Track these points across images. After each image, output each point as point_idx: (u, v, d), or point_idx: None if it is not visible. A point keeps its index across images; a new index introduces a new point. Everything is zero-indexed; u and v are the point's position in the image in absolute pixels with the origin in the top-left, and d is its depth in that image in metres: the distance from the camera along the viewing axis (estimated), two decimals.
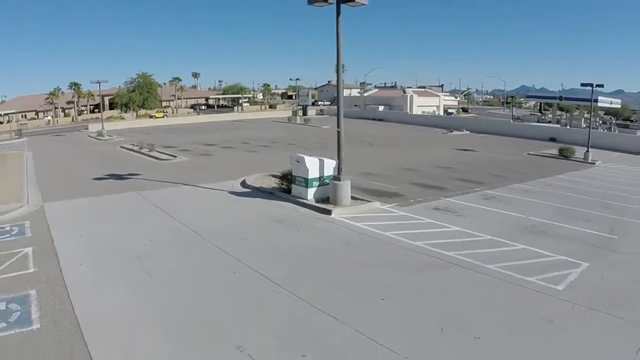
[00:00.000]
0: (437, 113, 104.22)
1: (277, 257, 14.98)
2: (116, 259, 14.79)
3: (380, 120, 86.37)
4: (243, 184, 25.90)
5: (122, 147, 48.97)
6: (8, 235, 17.93)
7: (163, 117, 69.69)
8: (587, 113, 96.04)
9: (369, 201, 21.74)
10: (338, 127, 21.26)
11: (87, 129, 77.27)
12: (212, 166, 34.45)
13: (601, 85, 47.78)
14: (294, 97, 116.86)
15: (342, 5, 20.12)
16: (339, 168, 21.07)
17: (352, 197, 21.39)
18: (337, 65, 21.07)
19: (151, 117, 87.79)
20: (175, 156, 39.49)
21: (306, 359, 9.03)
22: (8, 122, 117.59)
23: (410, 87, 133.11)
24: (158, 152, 41.83)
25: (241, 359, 9.05)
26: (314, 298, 11.71)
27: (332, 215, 19.57)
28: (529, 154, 45.73)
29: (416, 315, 10.92)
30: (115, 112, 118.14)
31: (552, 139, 56.16)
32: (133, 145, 47.86)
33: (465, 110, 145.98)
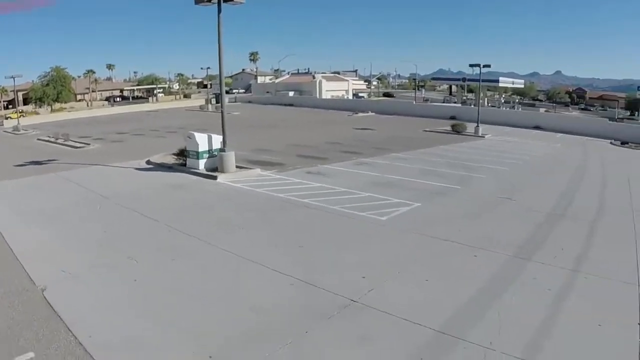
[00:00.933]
0: (345, 97, 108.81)
1: (166, 208, 19.31)
2: (37, 214, 18.64)
3: (290, 105, 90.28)
4: (147, 162, 29.62)
5: (38, 139, 50.93)
6: None
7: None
8: (496, 94, 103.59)
9: (251, 169, 26.23)
10: (222, 107, 25.55)
11: (2, 124, 77.93)
12: (122, 150, 37.78)
13: (488, 66, 51.41)
14: (209, 86, 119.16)
15: (223, 4, 24.13)
16: (224, 141, 25.37)
17: (238, 167, 25.73)
18: (219, 58, 24.87)
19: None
20: (88, 144, 42.44)
21: (174, 261, 13.41)
22: None
23: (323, 73, 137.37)
24: (73, 141, 44.51)
25: (129, 263, 13.32)
26: (189, 230, 16.12)
27: (218, 180, 23.96)
28: (425, 130, 50.22)
29: (263, 237, 15.43)
30: (30, 107, 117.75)
31: (452, 117, 60.67)
32: (49, 137, 49.78)
33: (388, 95, 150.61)
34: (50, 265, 13.17)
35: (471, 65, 56.68)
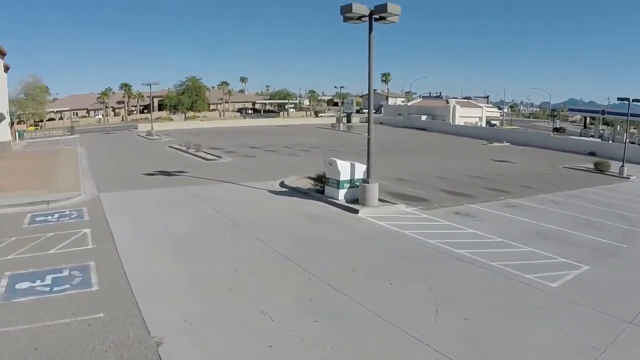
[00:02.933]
0: (479, 124, 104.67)
1: (303, 244, 16.90)
2: (163, 239, 17.04)
3: (423, 129, 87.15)
4: (281, 184, 27.76)
5: (170, 146, 51.43)
6: (68, 218, 20.33)
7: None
8: (634, 128, 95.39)
9: (394, 203, 23.35)
10: (368, 134, 22.99)
11: (137, 128, 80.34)
12: (254, 167, 36.44)
13: (638, 100, 46.85)
14: (339, 104, 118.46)
15: (375, 23, 21.73)
16: (368, 172, 22.77)
17: (380, 200, 22.99)
18: (369, 79, 22.47)
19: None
20: (220, 157, 41.62)
21: (317, 323, 10.81)
22: (60, 119, 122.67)
23: (455, 98, 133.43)
24: (204, 152, 44.03)
25: (263, 320, 10.87)
26: (331, 278, 13.53)
27: (359, 214, 21.25)
28: (565, 167, 46.19)
29: (418, 299, 12.56)
30: (164, 113, 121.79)
31: (592, 153, 55.89)
32: (181, 145, 50.15)
33: (559, 130, 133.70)
34: (170, 310, 11.27)
35: (619, 99, 51.87)
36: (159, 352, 9.34)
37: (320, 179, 25.18)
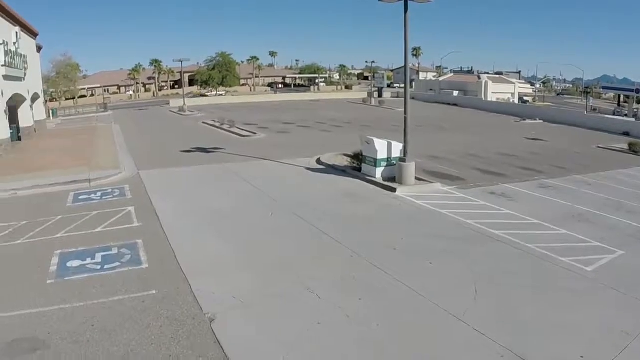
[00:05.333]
0: (511, 100, 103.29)
1: (343, 222, 17.16)
2: (207, 216, 17.45)
3: (454, 105, 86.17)
4: (318, 161, 27.95)
5: (203, 122, 51.79)
6: (111, 196, 20.86)
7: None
8: None
9: (431, 182, 23.39)
10: (405, 113, 23.03)
11: (169, 104, 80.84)
12: (290, 144, 36.64)
13: None
14: (369, 78, 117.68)
15: (410, 2, 21.65)
16: (405, 150, 22.78)
17: (416, 178, 23.02)
18: (405, 59, 22.64)
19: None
20: (254, 133, 41.86)
21: (361, 301, 11.08)
22: (92, 95, 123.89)
23: (487, 73, 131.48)
24: (238, 128, 44.27)
25: (310, 298, 11.18)
26: (373, 256, 13.77)
27: (396, 193, 21.35)
28: (598, 146, 45.52)
29: (459, 279, 12.68)
30: (194, 89, 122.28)
31: (626, 133, 54.64)
32: (214, 121, 50.41)
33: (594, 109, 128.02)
34: (220, 287, 11.65)
35: None
36: (213, 328, 9.67)
37: (357, 157, 25.28)
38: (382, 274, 12.63)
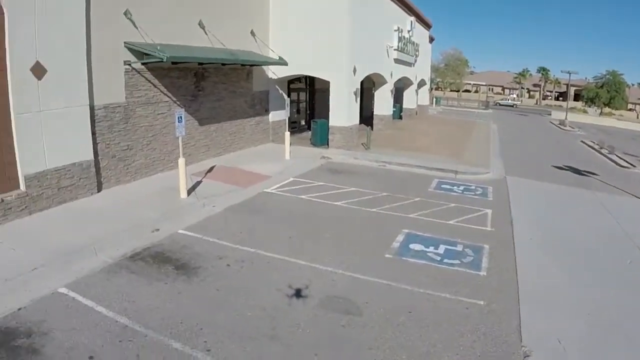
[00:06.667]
0: None
1: None
2: (561, 244, 15.62)
3: None
4: None
5: (582, 141, 49.04)
6: (472, 193, 20.94)
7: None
8: None
9: None
10: None
11: (550, 114, 78.98)
12: None
13: None
14: None
15: None
16: None
17: None
18: None
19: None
20: (634, 166, 38.25)
21: None
22: (475, 91, 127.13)
23: None
24: (617, 156, 40.90)
25: None
26: None
27: None
28: None
29: None
30: (578, 104, 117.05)
31: None
32: (593, 142, 47.48)
33: None
34: (549, 325, 10.31)
35: None
36: None
37: None
38: None
